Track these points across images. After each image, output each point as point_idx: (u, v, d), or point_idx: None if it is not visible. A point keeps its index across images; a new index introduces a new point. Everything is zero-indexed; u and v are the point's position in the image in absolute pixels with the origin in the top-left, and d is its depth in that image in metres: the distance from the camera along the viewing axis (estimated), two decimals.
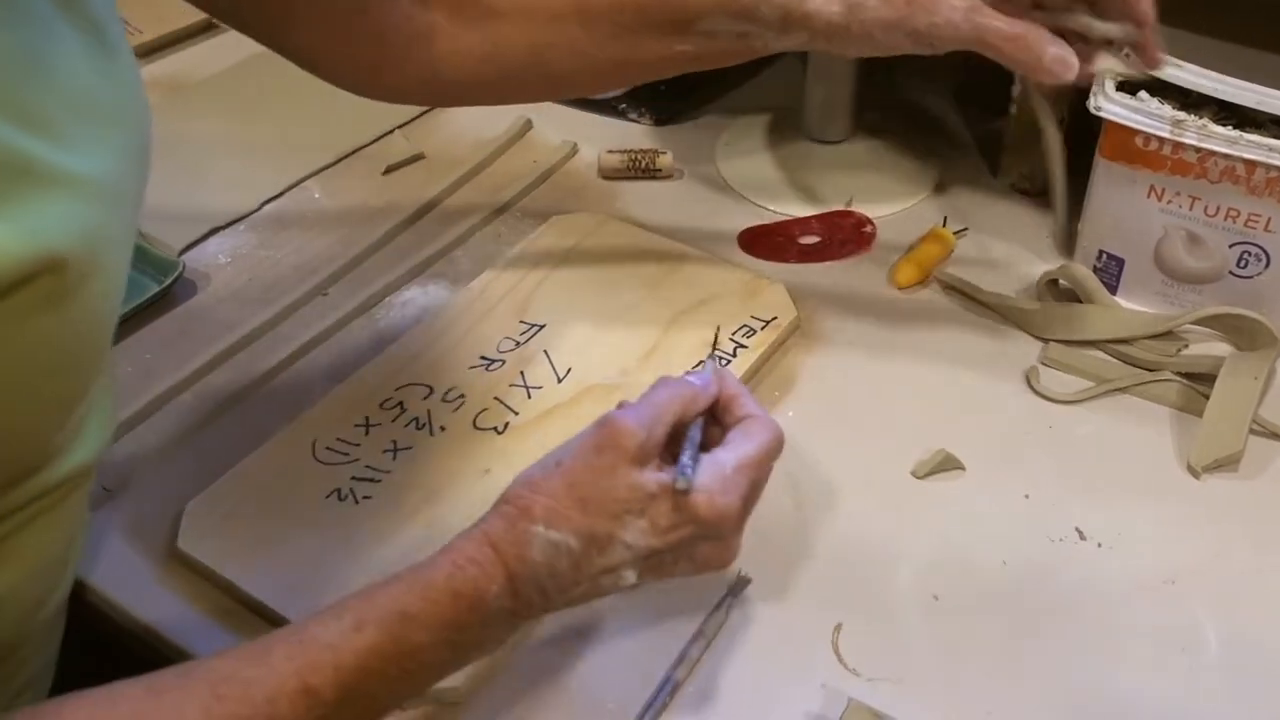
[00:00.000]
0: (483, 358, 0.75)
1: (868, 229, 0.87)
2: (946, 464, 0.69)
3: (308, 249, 0.86)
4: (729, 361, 0.73)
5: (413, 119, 0.99)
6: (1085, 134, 0.77)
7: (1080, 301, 0.77)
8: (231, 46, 1.02)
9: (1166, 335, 0.74)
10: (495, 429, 0.70)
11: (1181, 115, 0.71)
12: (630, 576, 0.52)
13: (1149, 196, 0.75)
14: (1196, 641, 0.60)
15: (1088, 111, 0.74)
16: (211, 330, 0.78)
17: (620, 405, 0.54)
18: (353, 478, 0.67)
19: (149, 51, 1.08)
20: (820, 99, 0.94)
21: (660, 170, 0.92)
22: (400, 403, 0.71)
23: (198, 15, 0.99)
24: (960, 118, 0.98)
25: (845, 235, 0.86)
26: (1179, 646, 0.60)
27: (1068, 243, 0.83)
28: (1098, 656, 0.60)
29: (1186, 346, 0.75)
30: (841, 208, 0.89)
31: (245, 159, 0.95)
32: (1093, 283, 0.77)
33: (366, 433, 0.70)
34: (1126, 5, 0.61)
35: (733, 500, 0.52)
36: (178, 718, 0.44)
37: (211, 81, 1.04)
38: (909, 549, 0.65)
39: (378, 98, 0.72)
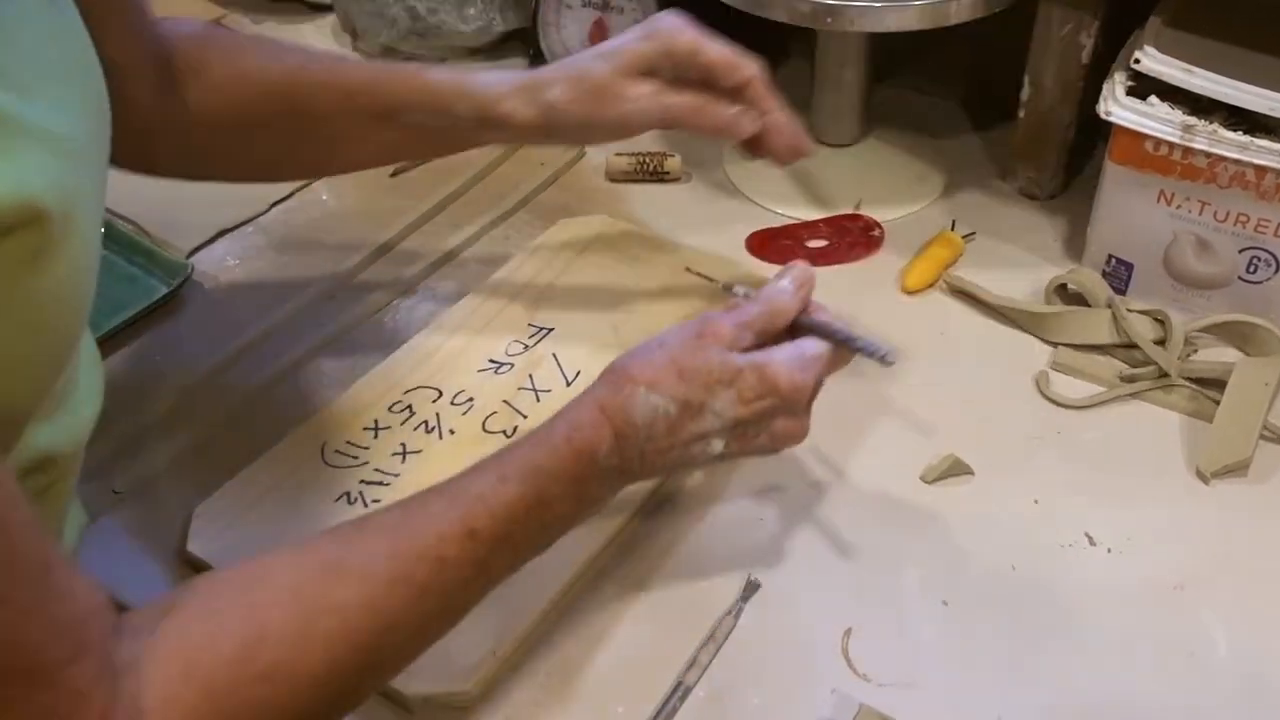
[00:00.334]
0: (491, 361, 0.75)
1: (876, 232, 0.87)
2: (955, 469, 0.69)
3: (316, 252, 0.86)
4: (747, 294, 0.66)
5: None
6: (1095, 138, 0.77)
7: (1089, 306, 0.77)
8: None
9: (1176, 341, 0.74)
10: (504, 432, 0.70)
11: (1192, 120, 0.71)
12: (718, 445, 0.56)
13: (1158, 201, 0.75)
14: (1205, 647, 0.60)
15: (1097, 116, 0.74)
16: (220, 333, 0.78)
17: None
18: (362, 481, 0.67)
19: None
20: (829, 102, 0.94)
21: (668, 173, 0.92)
22: (409, 406, 0.72)
23: (203, 16, 0.99)
24: (969, 121, 0.98)
25: (854, 238, 0.86)
26: (1188, 652, 0.60)
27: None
28: (1107, 661, 0.60)
29: (1196, 352, 0.75)
30: (850, 211, 0.89)
31: None
32: (1102, 287, 0.77)
33: (375, 436, 0.70)
34: (753, 94, 0.67)
35: (809, 378, 0.57)
36: (370, 558, 0.48)
37: None
38: (918, 554, 0.65)
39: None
